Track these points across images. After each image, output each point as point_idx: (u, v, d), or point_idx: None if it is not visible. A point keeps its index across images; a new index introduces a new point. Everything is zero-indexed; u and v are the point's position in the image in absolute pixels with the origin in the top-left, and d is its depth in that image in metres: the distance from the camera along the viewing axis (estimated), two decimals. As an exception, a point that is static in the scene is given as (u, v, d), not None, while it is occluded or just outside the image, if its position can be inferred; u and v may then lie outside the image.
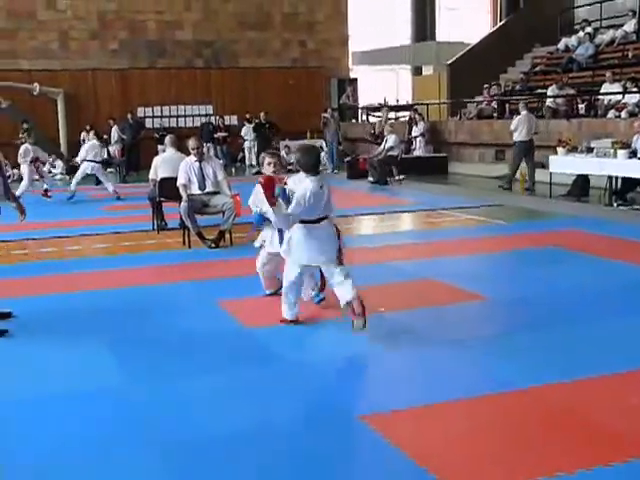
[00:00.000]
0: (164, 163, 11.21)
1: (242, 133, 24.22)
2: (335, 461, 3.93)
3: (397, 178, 18.15)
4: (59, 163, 22.41)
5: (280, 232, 6.66)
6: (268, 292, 7.20)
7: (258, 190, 6.81)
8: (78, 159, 16.75)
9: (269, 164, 6.87)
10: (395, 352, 5.66)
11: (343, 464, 3.92)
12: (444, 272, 8.24)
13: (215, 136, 23.74)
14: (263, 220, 6.84)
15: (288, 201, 6.07)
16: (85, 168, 16.35)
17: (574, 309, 6.73)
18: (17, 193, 14.97)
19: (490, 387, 4.82)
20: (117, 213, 14.14)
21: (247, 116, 24.30)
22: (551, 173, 14.49)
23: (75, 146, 22.51)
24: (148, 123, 25.09)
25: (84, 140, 19.22)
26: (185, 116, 25.92)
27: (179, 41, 25.77)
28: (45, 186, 16.19)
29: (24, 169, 16.14)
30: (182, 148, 11.21)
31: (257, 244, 7.11)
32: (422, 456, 3.90)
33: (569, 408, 4.50)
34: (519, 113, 16.52)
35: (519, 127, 15.99)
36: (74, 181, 16.27)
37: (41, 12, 24.28)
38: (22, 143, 16.60)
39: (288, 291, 6.31)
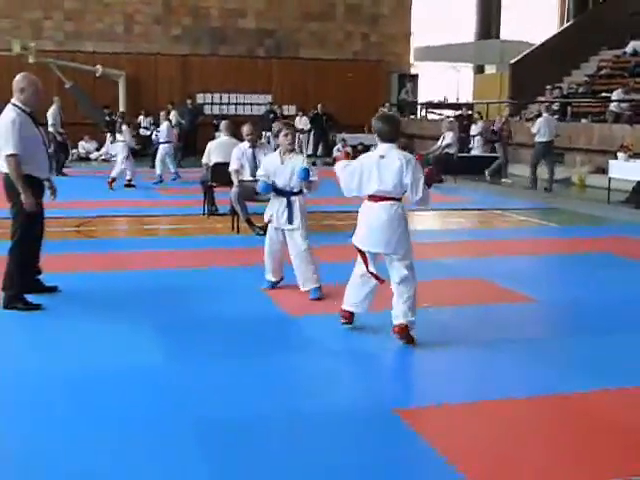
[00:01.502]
0: (218, 148, 11.25)
1: (296, 124, 23.79)
2: (364, 453, 3.88)
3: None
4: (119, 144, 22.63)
5: (289, 206, 6.76)
6: (272, 279, 7.14)
7: (266, 160, 7.22)
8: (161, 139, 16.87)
9: (285, 135, 6.94)
10: (437, 348, 5.55)
11: (372, 457, 3.84)
12: (494, 272, 8.09)
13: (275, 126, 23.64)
14: (269, 189, 6.89)
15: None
16: (164, 150, 16.55)
17: (624, 316, 6.54)
18: (129, 177, 15.31)
19: (532, 390, 4.70)
20: (171, 196, 14.23)
21: (302, 108, 24.10)
22: (610, 178, 14.17)
23: (133, 129, 22.81)
24: (207, 109, 25.20)
25: (140, 123, 19.32)
26: (244, 104, 25.96)
27: (241, 29, 25.81)
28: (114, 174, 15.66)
29: (120, 149, 16.01)
30: (238, 135, 11.19)
31: (266, 219, 7.09)
32: (453, 454, 3.82)
33: (612, 416, 4.37)
34: (540, 115, 16.79)
35: (541, 129, 16.14)
36: (158, 166, 16.37)
37: (108, -6, 24.59)
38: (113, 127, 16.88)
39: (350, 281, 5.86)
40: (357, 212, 5.70)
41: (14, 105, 6.25)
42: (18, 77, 6.35)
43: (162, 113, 17.97)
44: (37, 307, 6.32)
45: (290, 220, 6.82)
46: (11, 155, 6.08)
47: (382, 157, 5.42)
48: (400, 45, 27.79)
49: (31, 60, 21.15)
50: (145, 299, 6.76)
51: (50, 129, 17.42)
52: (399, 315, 5.50)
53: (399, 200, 5.47)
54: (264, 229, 9.86)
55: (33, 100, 6.32)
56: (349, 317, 5.85)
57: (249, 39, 25.93)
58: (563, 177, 17.32)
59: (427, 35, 30.26)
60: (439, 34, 30.43)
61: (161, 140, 16.71)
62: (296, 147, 7.52)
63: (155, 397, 4.54)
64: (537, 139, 16.29)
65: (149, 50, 24.93)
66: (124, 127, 16.31)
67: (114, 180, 15.17)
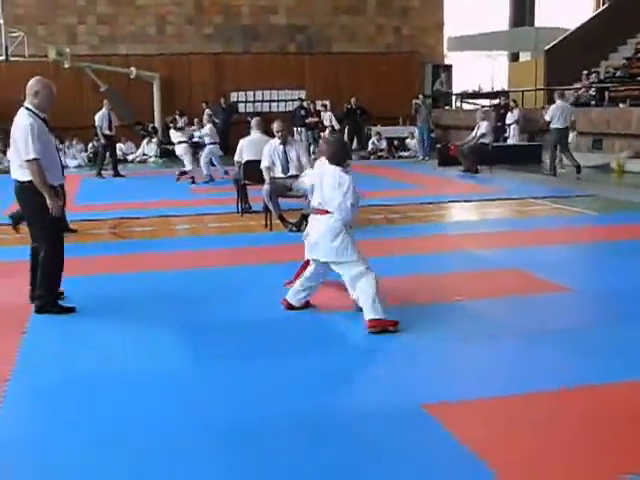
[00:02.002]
0: (249, 146, 11.24)
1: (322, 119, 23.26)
2: (393, 450, 3.82)
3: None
4: (152, 146, 22.83)
5: None
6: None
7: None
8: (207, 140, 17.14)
9: (277, 132, 7.09)
10: (469, 341, 5.49)
11: (401, 454, 3.79)
12: (529, 262, 7.97)
13: (307, 121, 23.62)
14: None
15: None
16: (210, 150, 16.85)
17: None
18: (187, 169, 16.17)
19: (566, 381, 4.62)
20: (205, 195, 14.29)
21: (324, 103, 23.96)
22: (650, 163, 13.92)
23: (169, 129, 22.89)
24: (241, 107, 25.25)
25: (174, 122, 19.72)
26: (278, 101, 25.94)
27: (273, 26, 25.80)
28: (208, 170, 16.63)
29: (184, 150, 16.68)
30: (270, 132, 11.17)
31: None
32: (484, 449, 3.76)
33: (647, 407, 4.27)
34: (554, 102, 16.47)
35: (554, 116, 16.05)
36: (204, 166, 16.63)
37: (140, -3, 24.75)
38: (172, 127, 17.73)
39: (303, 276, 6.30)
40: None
41: (28, 109, 6.09)
42: (32, 81, 6.20)
43: (205, 115, 18.25)
44: (71, 310, 6.33)
45: None
46: (33, 159, 5.94)
47: (325, 175, 5.89)
48: (433, 36, 27.54)
49: (66, 65, 21.39)
50: (176, 300, 6.75)
51: (98, 131, 18.02)
52: (366, 313, 5.69)
53: None
54: (297, 225, 9.90)
55: (47, 104, 6.18)
56: (288, 306, 6.28)
57: (281, 35, 25.91)
58: (601, 163, 17.04)
59: (460, 25, 29.94)
60: (472, 23, 30.09)
61: (207, 141, 16.92)
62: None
63: (178, 397, 4.54)
64: (551, 126, 16.18)
65: (182, 50, 25.02)
66: (185, 128, 17.31)
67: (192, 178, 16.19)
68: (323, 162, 6.01)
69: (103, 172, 18.14)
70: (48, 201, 6.03)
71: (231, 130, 22.75)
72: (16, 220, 9.58)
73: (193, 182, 16.09)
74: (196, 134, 17.48)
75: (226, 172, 16.71)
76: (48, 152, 6.15)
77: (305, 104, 23.86)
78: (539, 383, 4.60)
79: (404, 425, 4.11)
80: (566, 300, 6.70)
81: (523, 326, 5.83)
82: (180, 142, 16.80)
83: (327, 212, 5.82)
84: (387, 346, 5.43)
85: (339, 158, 5.91)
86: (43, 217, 6.12)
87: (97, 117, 17.87)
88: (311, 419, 4.18)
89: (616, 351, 5.20)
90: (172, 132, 17.43)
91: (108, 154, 18.40)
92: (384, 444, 3.90)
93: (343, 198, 5.73)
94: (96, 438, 4.02)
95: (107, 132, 17.97)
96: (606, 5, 26.70)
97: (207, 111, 21.55)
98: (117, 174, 18.18)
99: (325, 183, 5.85)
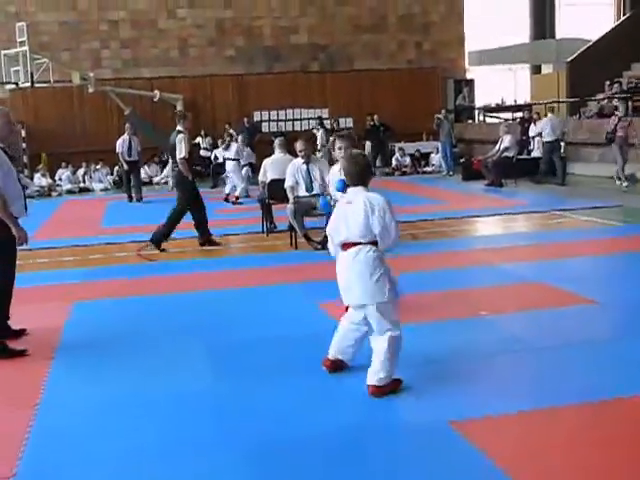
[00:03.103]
0: (273, 165, 11.36)
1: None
2: (421, 466, 3.86)
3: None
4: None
5: None
6: None
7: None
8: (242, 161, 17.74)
9: (339, 148, 6.93)
10: (493, 356, 5.50)
11: (429, 470, 3.82)
12: (554, 275, 7.97)
13: (331, 139, 23.60)
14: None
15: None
16: (246, 171, 17.70)
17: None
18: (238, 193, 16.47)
19: (590, 395, 4.62)
20: (230, 215, 14.35)
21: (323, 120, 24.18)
22: (675, 173, 13.81)
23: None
24: (264, 127, 25.38)
25: (199, 144, 19.91)
26: (301, 119, 26.06)
27: (295, 45, 25.95)
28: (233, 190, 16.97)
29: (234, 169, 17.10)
30: (293, 151, 11.25)
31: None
32: (510, 465, 3.76)
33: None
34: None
35: (544, 129, 17.41)
36: (244, 185, 17.06)
37: (162, 21, 24.98)
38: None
39: None
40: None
41: None
42: None
43: (240, 137, 18.66)
44: (21, 353, 5.93)
45: None
46: None
47: (349, 203, 5.01)
48: (454, 51, 27.57)
49: (90, 90, 21.63)
50: (202, 321, 6.81)
51: (120, 157, 18.36)
52: (370, 373, 4.95)
53: (371, 244, 4.91)
54: (322, 244, 9.94)
55: (6, 132, 6.06)
56: (331, 366, 5.31)
57: (303, 55, 26.04)
58: (627, 174, 16.92)
59: (481, 39, 29.91)
60: (493, 37, 30.05)
61: (243, 162, 17.60)
62: None
63: (204, 418, 4.59)
64: (543, 139, 17.32)
65: (204, 72, 25.22)
66: (233, 144, 17.67)
67: (237, 198, 16.51)
68: (342, 201, 5.16)
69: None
70: (14, 231, 5.79)
71: (255, 149, 22.91)
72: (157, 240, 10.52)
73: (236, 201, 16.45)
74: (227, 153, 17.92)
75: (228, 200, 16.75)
76: (9, 181, 5.89)
77: (327, 123, 23.97)
78: (564, 397, 4.59)
79: (432, 441, 4.13)
80: (591, 313, 6.69)
81: (548, 339, 5.83)
82: (228, 159, 17.30)
83: (358, 244, 4.93)
84: (411, 362, 5.43)
85: (366, 176, 5.07)
86: (6, 248, 5.89)
87: (118, 144, 18.10)
88: (339, 436, 4.22)
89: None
90: (217, 151, 17.87)
91: (132, 177, 18.45)
92: (413, 460, 3.93)
93: (384, 222, 4.83)
94: (126, 456, 4.08)
95: (127, 158, 18.13)
96: (627, 15, 26.58)
97: (230, 132, 21.85)
98: (139, 199, 18.19)
99: (351, 214, 4.94)
